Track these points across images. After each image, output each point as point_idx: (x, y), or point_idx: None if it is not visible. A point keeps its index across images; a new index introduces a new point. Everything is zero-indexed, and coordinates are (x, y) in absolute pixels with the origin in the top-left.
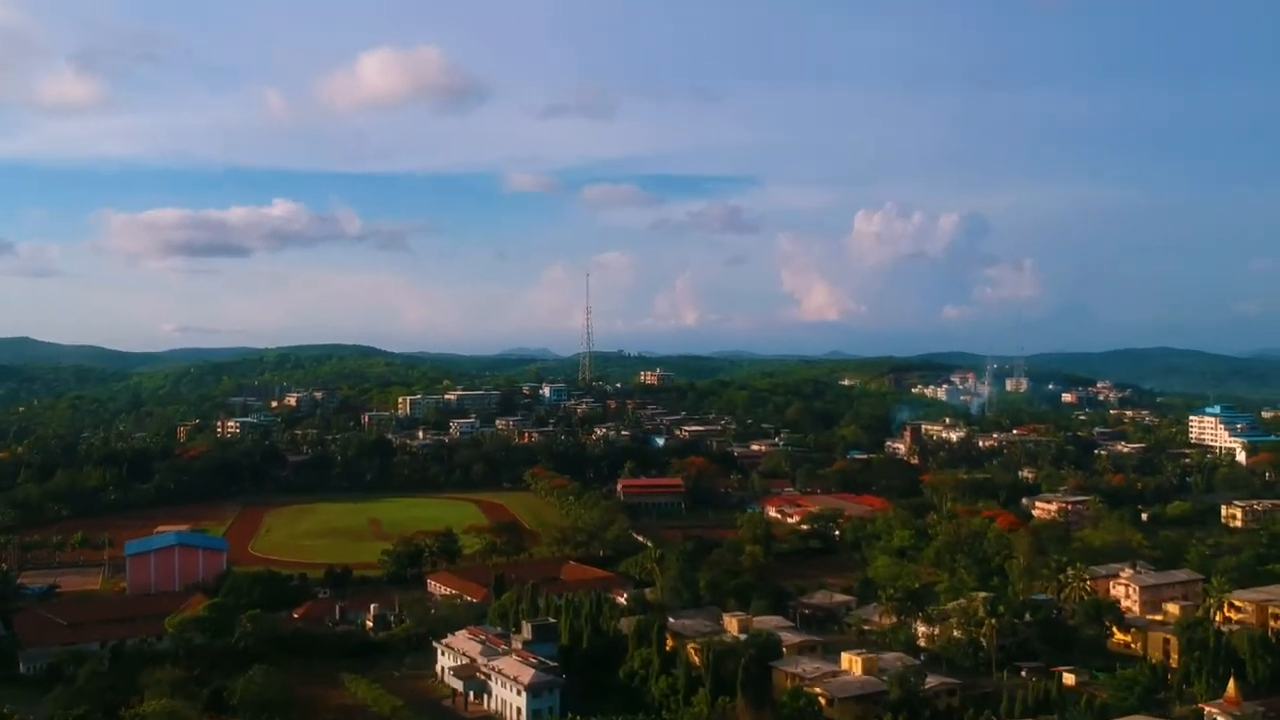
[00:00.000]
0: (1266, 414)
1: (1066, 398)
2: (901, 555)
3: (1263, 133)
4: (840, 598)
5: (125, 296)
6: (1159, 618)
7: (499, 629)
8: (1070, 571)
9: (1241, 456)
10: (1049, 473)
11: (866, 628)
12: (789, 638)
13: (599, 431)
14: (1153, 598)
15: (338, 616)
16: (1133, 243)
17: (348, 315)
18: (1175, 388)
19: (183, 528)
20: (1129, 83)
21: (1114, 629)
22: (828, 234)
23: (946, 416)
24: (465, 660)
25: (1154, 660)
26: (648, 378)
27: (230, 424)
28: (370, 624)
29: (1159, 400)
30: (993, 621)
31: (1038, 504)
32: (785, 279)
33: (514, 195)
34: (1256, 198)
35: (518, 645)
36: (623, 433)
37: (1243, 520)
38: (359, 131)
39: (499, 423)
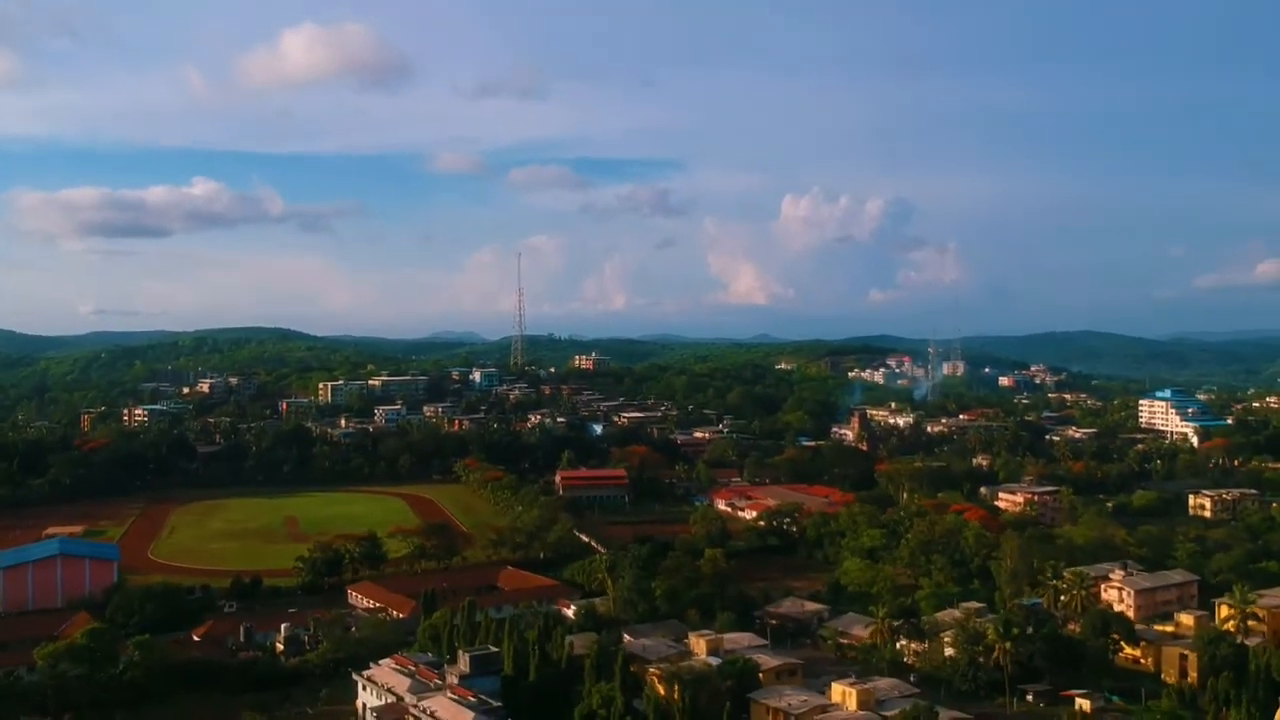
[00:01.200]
0: (1202, 395)
1: (1004, 381)
2: (871, 556)
3: (1180, 123)
4: (811, 606)
5: (40, 279)
6: (1169, 628)
7: (430, 657)
8: (1068, 576)
9: (1193, 441)
10: (1006, 460)
11: (844, 640)
12: (765, 660)
13: (533, 419)
14: (1148, 602)
15: (242, 638)
16: (1054, 228)
17: (270, 298)
18: (1100, 370)
19: (75, 529)
20: (1054, 71)
21: (1121, 643)
22: (756, 218)
23: (892, 401)
24: (391, 699)
25: (1168, 679)
26: (582, 362)
27: (138, 412)
28: (281, 647)
29: (1094, 383)
30: (1007, 645)
31: (1001, 495)
32: (713, 263)
33: (442, 176)
34: (1173, 186)
35: (453, 679)
36: (558, 420)
37: (1212, 510)
38: (282, 111)
39: (427, 410)
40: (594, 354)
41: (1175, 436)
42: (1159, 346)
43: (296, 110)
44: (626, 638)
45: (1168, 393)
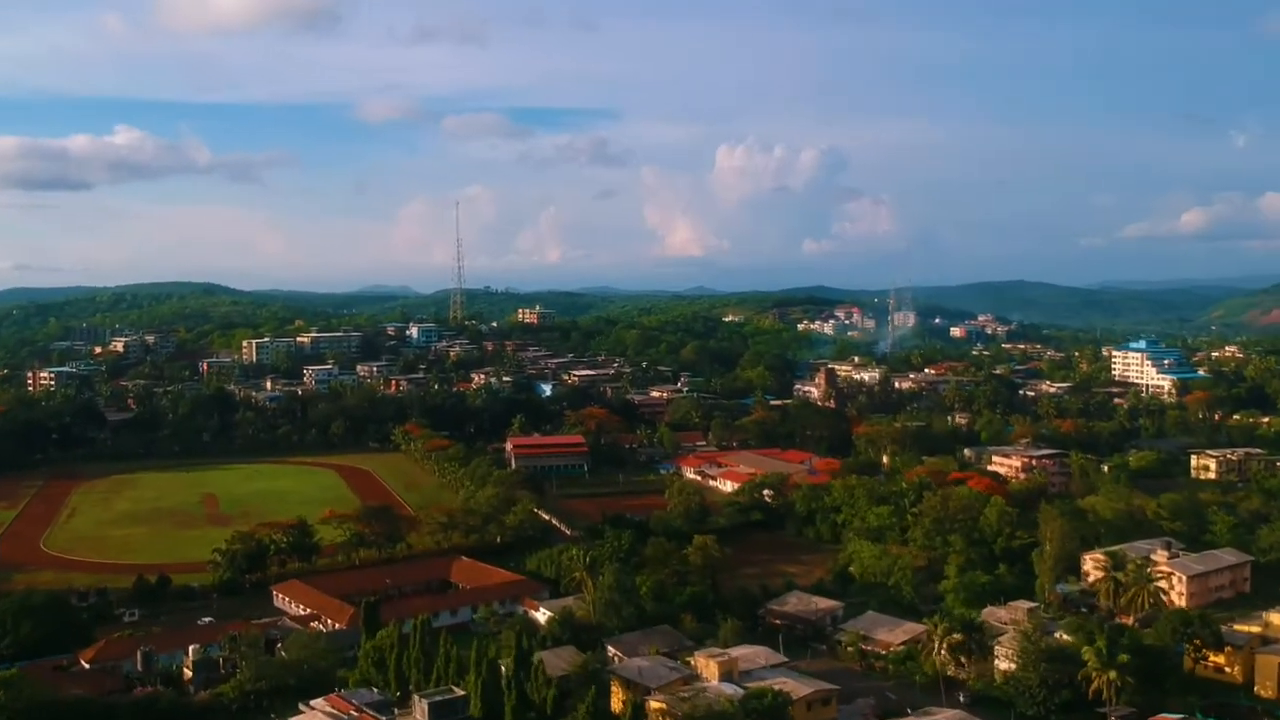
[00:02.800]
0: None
1: (955, 332)
2: (877, 537)
3: (1106, 74)
4: (823, 603)
5: None
6: (1255, 628)
7: (376, 694)
8: (1131, 567)
9: (1170, 394)
10: (989, 419)
11: (867, 647)
12: (793, 686)
13: (477, 378)
14: (1200, 589)
15: (140, 665)
16: (985, 179)
17: (196, 252)
18: (1037, 319)
19: None
20: (988, 22)
21: (1204, 649)
22: (692, 169)
23: (855, 356)
24: None
25: (1263, 694)
26: (526, 316)
27: (44, 375)
28: (189, 673)
29: (1045, 333)
30: (1111, 676)
31: (996, 459)
32: (650, 214)
33: (374, 125)
34: (1098, 135)
35: None
36: (504, 379)
37: (1217, 472)
38: (208, 57)
39: (361, 369)
40: (538, 307)
41: (1151, 389)
42: (1091, 295)
43: (223, 56)
44: (612, 651)
45: (1142, 343)
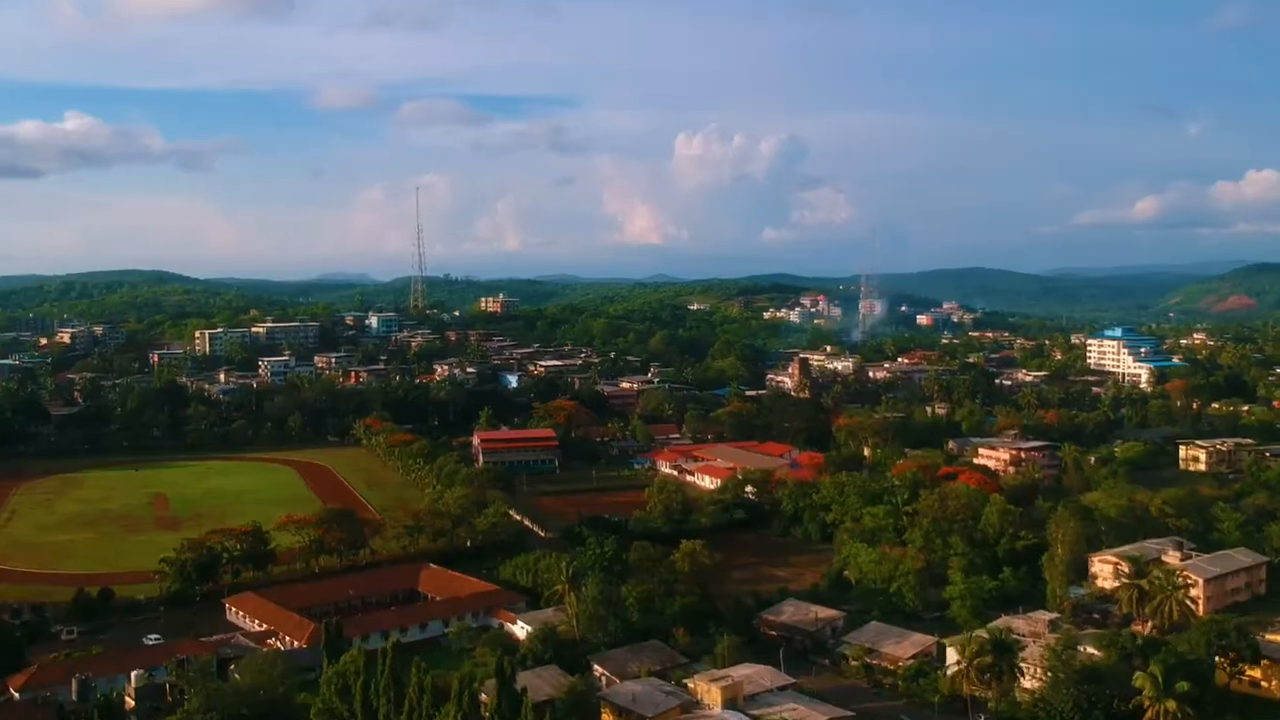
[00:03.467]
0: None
1: (922, 320)
2: (871, 538)
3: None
4: (823, 613)
5: None
6: None
7: None
8: (1156, 572)
9: (1146, 382)
10: (971, 409)
11: (873, 661)
12: (805, 714)
13: (440, 369)
14: (1217, 592)
15: (75, 695)
16: (943, 167)
17: (148, 241)
18: (997, 306)
19: None
20: (946, 14)
21: (1240, 662)
22: (651, 157)
23: (827, 345)
24: None
25: None
26: (489, 304)
27: None
28: (131, 702)
29: (1011, 320)
30: (1169, 706)
31: (982, 451)
32: (609, 202)
33: (329, 112)
34: (1055, 126)
35: None
36: (468, 370)
37: (1207, 463)
38: (160, 43)
39: (319, 360)
40: (501, 296)
41: (1128, 378)
42: (1048, 282)
43: (175, 42)
44: (599, 670)
45: (1118, 331)
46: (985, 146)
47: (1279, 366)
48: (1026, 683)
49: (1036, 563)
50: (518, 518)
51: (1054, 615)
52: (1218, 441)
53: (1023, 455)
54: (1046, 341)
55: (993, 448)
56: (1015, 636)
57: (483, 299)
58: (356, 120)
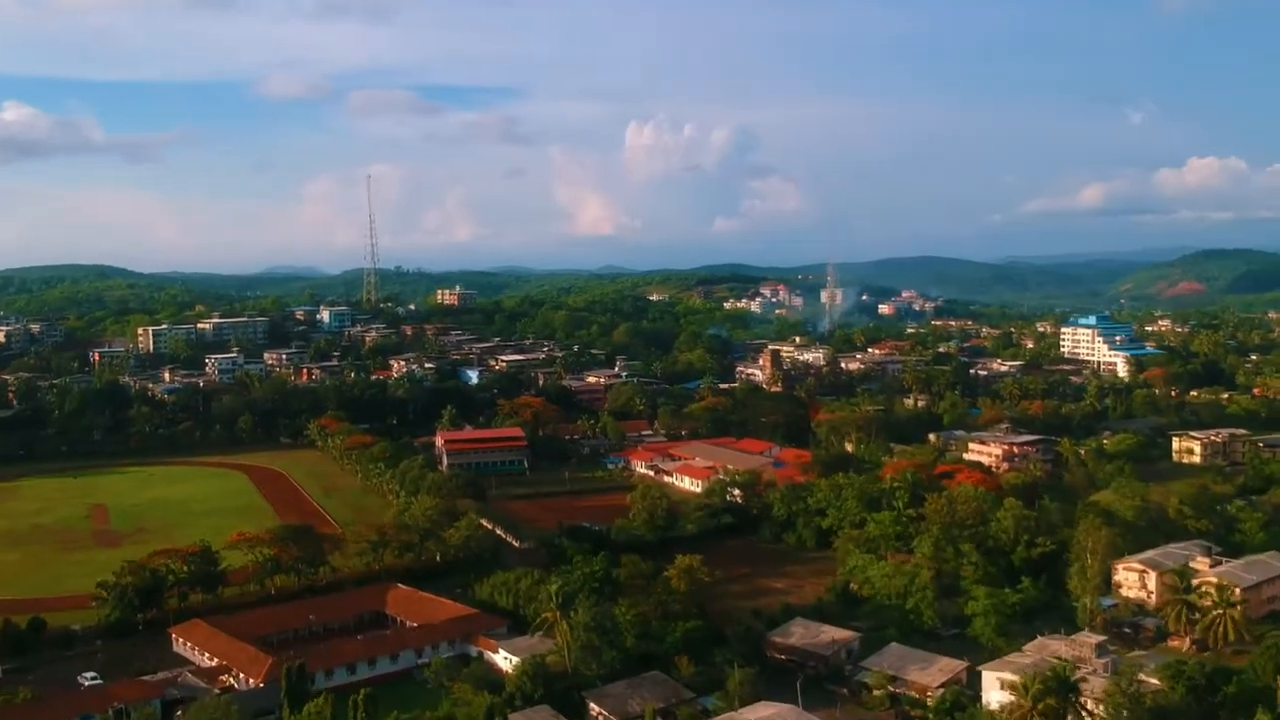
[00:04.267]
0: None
1: (884, 309)
2: (875, 548)
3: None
4: (837, 634)
5: None
6: None
7: None
8: (1205, 586)
9: (1123, 371)
10: (953, 401)
11: (898, 691)
12: None
13: (397, 365)
14: (1254, 600)
15: None
16: (893, 157)
17: (90, 233)
18: (950, 294)
19: None
20: (896, 3)
21: None
22: (602, 148)
23: (796, 336)
24: None
25: None
26: (445, 297)
27: None
28: None
29: (973, 308)
30: None
31: (973, 446)
32: (560, 193)
33: (276, 103)
34: (1003, 115)
35: None
36: (427, 365)
37: (1202, 455)
38: (102, 33)
39: (269, 357)
40: (458, 288)
41: (1103, 366)
42: (999, 270)
43: (119, 33)
44: (595, 709)
45: (1092, 319)
46: (935, 136)
47: (1254, 353)
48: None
49: (1054, 571)
50: (489, 526)
51: (1100, 638)
52: (1211, 432)
53: (1016, 450)
54: (1012, 330)
55: (983, 442)
56: (1059, 661)
57: (439, 291)
58: (305, 111)
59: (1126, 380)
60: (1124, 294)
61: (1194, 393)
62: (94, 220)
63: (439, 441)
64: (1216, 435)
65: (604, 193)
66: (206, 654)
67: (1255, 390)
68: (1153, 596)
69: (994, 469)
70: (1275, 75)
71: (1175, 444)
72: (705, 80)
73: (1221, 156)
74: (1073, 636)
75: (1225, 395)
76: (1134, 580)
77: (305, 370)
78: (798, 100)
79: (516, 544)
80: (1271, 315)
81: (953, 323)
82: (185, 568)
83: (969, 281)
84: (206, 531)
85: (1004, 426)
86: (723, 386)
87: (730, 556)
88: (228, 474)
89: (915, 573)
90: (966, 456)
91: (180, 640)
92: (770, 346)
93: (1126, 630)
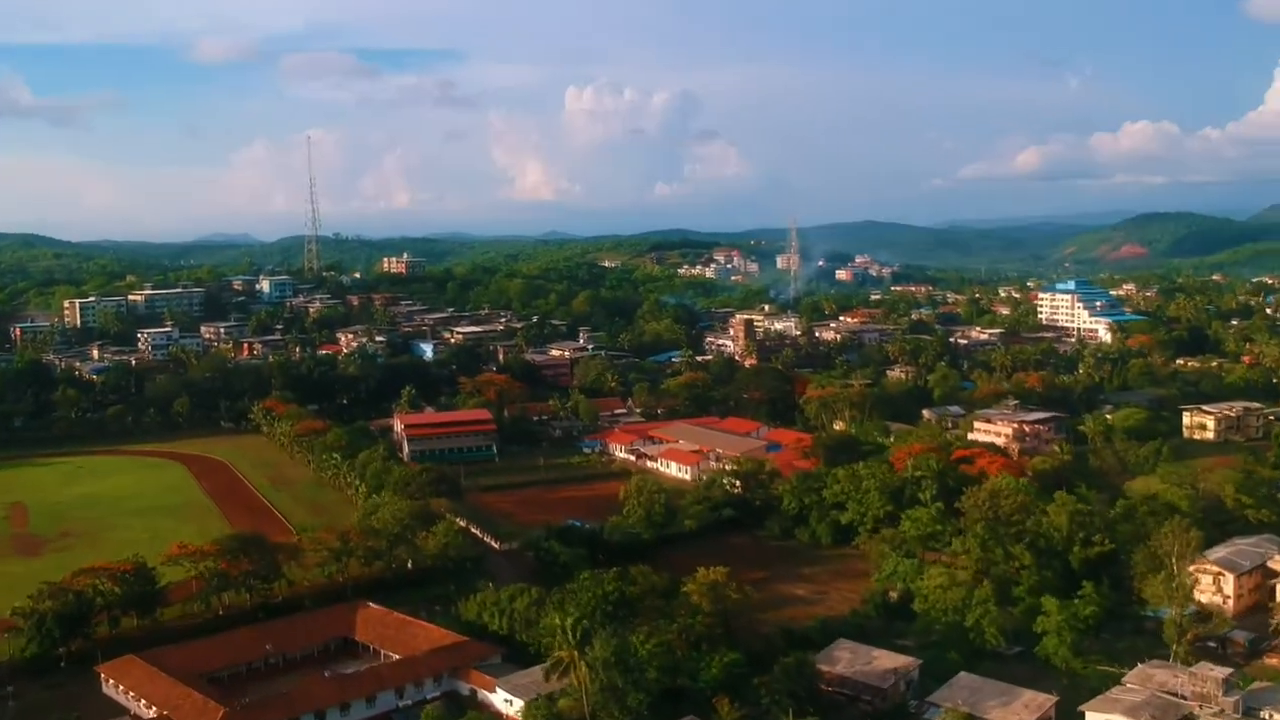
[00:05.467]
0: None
1: (841, 275)
2: (908, 548)
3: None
4: (887, 660)
5: None
6: None
7: None
8: None
9: (1105, 337)
10: (944, 374)
11: None
12: None
13: (344, 338)
14: None
15: None
16: (834, 122)
17: (14, 200)
18: (896, 259)
19: None
20: None
21: None
22: (543, 111)
23: (765, 305)
24: None
25: None
26: (392, 265)
27: None
28: None
29: (930, 274)
30: None
31: (979, 426)
32: (500, 157)
33: (208, 66)
34: (942, 80)
35: None
36: (377, 339)
37: (1215, 431)
38: None
39: (206, 331)
40: (405, 255)
41: (1085, 333)
42: (942, 235)
43: None
44: None
45: (1071, 284)
46: (876, 101)
47: (1234, 318)
48: None
49: (1114, 572)
50: (462, 523)
51: (1228, 671)
52: (1224, 406)
53: (1027, 429)
54: (978, 295)
55: (990, 420)
56: (1176, 698)
57: (385, 259)
58: (238, 74)
59: (1116, 349)
60: (1068, 257)
61: (1180, 360)
62: (19, 187)
63: (398, 426)
64: (1230, 409)
65: (545, 158)
66: (143, 700)
67: (1245, 358)
68: (1230, 602)
69: (1007, 450)
70: (1207, 37)
71: (1186, 419)
72: (646, 44)
73: (1155, 120)
74: (1193, 669)
75: (1215, 363)
76: (1207, 584)
77: (246, 345)
78: (740, 65)
79: (496, 545)
80: (1216, 278)
81: (913, 288)
82: (116, 588)
83: (913, 246)
84: (141, 534)
85: (1012, 403)
86: (700, 359)
87: (737, 556)
88: (164, 465)
89: (972, 582)
90: (973, 437)
91: (111, 683)
92: (739, 315)
93: (1212, 644)
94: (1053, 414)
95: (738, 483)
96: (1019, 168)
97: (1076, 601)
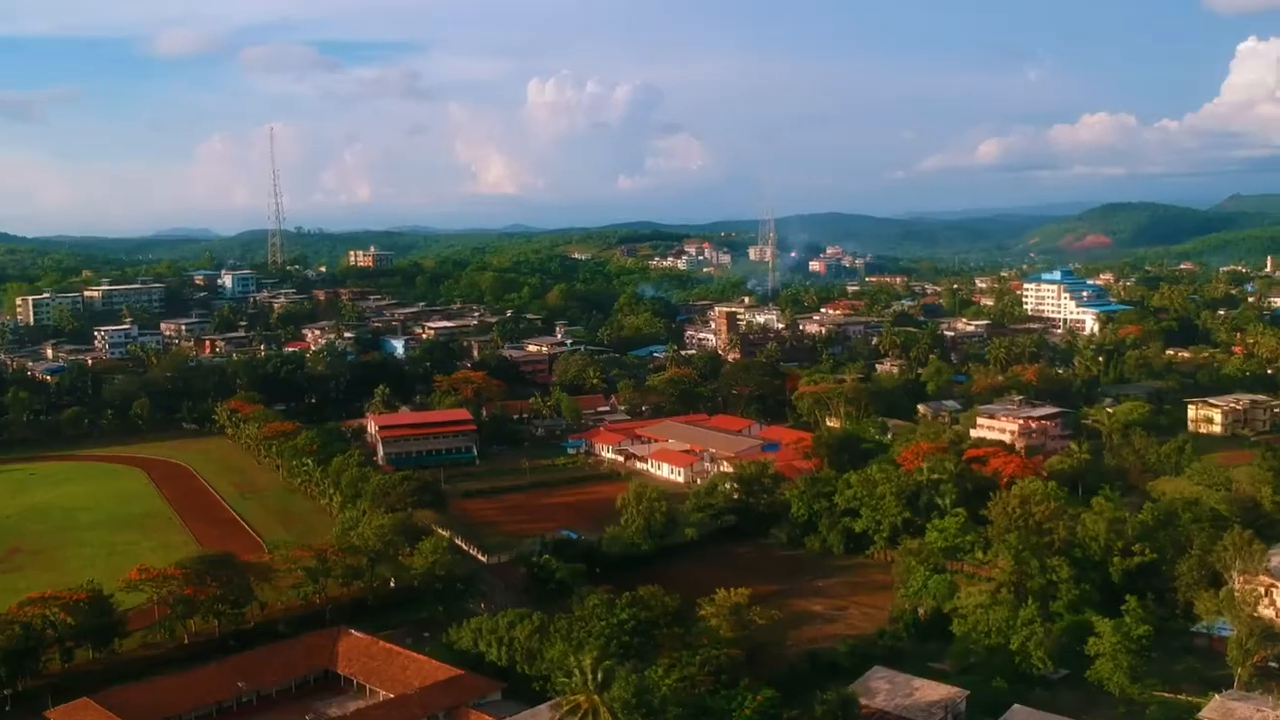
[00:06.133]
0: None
1: (814, 266)
2: (932, 559)
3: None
4: (930, 691)
5: None
6: None
7: None
8: None
9: (1093, 329)
10: (938, 368)
11: None
12: None
13: (311, 335)
14: None
15: None
16: (798, 114)
17: None
18: (863, 250)
19: None
20: None
21: None
22: (505, 105)
23: (745, 297)
24: None
25: None
26: (359, 259)
27: None
28: None
29: (901, 264)
30: None
31: (982, 422)
32: (462, 151)
33: (169, 60)
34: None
35: None
36: (346, 335)
37: (1223, 425)
38: None
39: (166, 328)
40: (372, 248)
41: (1072, 324)
42: (906, 226)
43: None
44: None
45: (1056, 274)
46: (838, 93)
47: (1221, 308)
48: None
49: (1155, 585)
50: (444, 533)
51: None
52: (1230, 399)
53: (1033, 425)
54: (956, 286)
55: (993, 416)
56: None
57: (351, 252)
58: (198, 68)
59: (1110, 340)
60: (1033, 247)
61: (1170, 351)
62: None
63: (372, 427)
64: (1237, 402)
65: (508, 151)
66: None
67: (1236, 348)
68: None
69: (1015, 448)
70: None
71: (1191, 412)
72: (608, 36)
73: (1113, 112)
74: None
75: (1206, 354)
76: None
77: (209, 343)
78: (702, 57)
79: (483, 558)
80: (1184, 266)
81: (889, 279)
82: (70, 619)
83: (878, 237)
84: (98, 550)
85: (1017, 399)
86: (681, 354)
87: (744, 568)
88: (123, 471)
89: (1014, 600)
90: (976, 433)
91: None
92: (719, 308)
93: (1274, 664)
94: (1058, 410)
95: (735, 486)
96: (979, 159)
97: (1128, 620)
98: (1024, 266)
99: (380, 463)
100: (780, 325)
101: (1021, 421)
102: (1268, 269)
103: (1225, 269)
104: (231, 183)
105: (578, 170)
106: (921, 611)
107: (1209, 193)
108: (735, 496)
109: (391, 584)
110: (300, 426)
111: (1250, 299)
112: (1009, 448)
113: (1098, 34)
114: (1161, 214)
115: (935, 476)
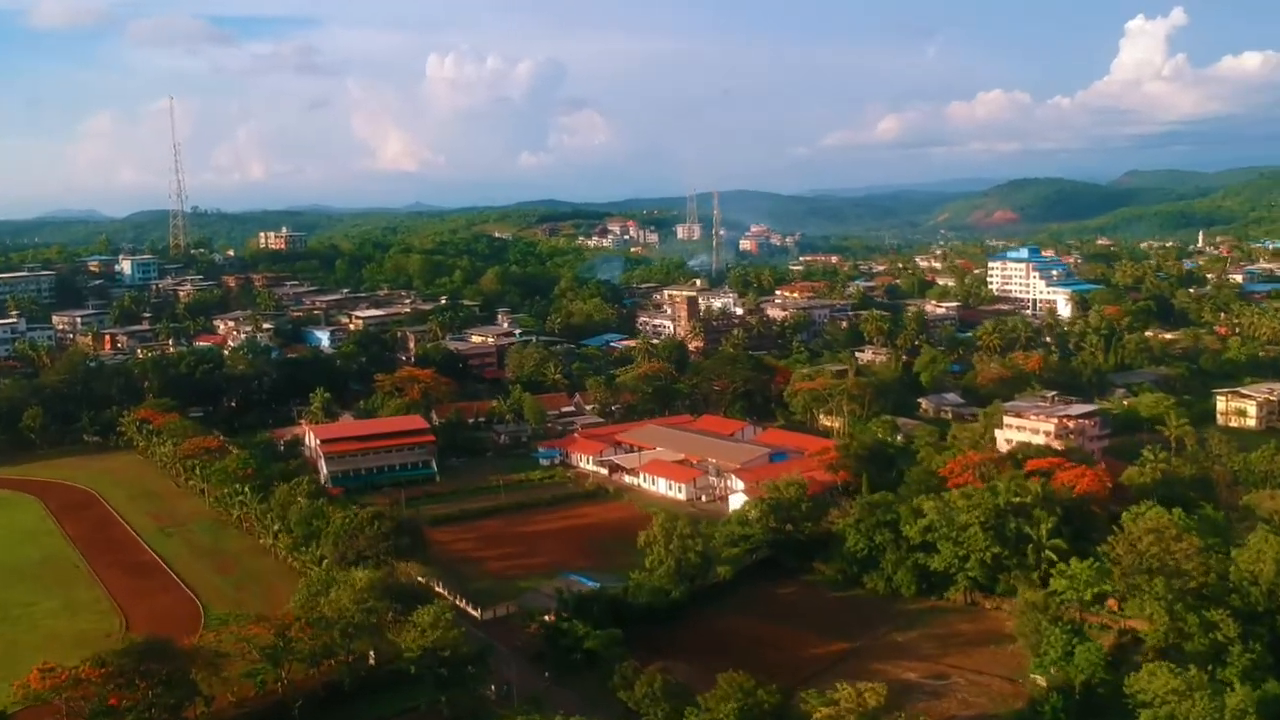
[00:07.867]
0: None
1: (745, 244)
2: (1053, 608)
3: None
4: None
5: None
6: None
7: None
8: None
9: (1065, 309)
10: (932, 357)
11: None
12: None
13: (224, 326)
14: None
15: None
16: (701, 92)
17: None
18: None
19: None
20: None
21: None
22: (404, 81)
23: (696, 279)
24: None
25: None
26: (270, 240)
27: None
28: None
29: (834, 243)
30: None
31: (1009, 423)
32: (361, 127)
33: (49, 33)
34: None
35: None
36: (264, 326)
37: (1258, 418)
38: None
39: (59, 321)
40: (285, 230)
41: (1042, 305)
42: (813, 203)
43: None
44: None
45: (1024, 253)
46: (741, 70)
47: (1190, 286)
48: None
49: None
50: (443, 593)
51: None
52: (1264, 389)
53: (1071, 425)
54: (900, 264)
55: (1021, 414)
56: None
57: (261, 234)
58: (80, 42)
59: (1101, 323)
60: (942, 224)
61: (1149, 333)
62: None
63: (311, 440)
64: (1270, 392)
65: (408, 127)
66: None
67: (1219, 328)
68: None
69: (1056, 450)
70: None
71: (1221, 404)
72: (510, 10)
73: (1008, 90)
74: None
75: (1192, 335)
76: None
77: (108, 337)
78: (605, 33)
79: (476, 614)
80: (1101, 241)
81: (825, 258)
82: None
83: (785, 215)
84: None
85: (1050, 395)
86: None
87: (795, 616)
88: (13, 499)
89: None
90: (1003, 435)
91: None
92: (667, 291)
93: None
94: (1095, 407)
95: (771, 513)
96: (879, 136)
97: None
98: (939, 244)
99: (322, 482)
100: (741, 310)
101: (1058, 421)
102: (1200, 244)
103: (1147, 244)
104: (120, 161)
105: (480, 147)
106: (1041, 680)
107: (1104, 168)
108: (770, 524)
109: (371, 660)
110: (225, 441)
111: (1210, 277)
112: (1065, 454)
113: (993, 12)
114: (1067, 189)
115: (1019, 500)
